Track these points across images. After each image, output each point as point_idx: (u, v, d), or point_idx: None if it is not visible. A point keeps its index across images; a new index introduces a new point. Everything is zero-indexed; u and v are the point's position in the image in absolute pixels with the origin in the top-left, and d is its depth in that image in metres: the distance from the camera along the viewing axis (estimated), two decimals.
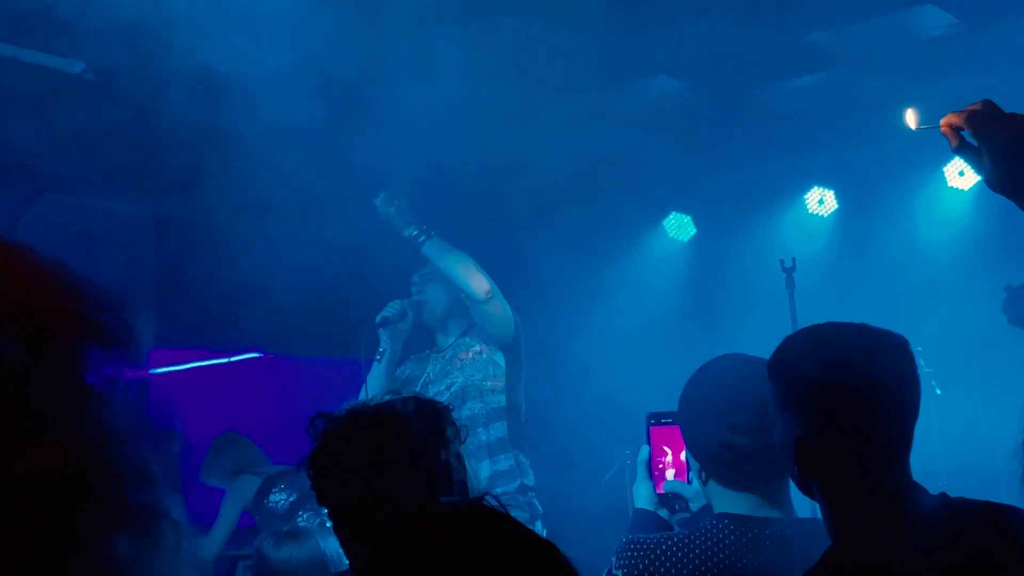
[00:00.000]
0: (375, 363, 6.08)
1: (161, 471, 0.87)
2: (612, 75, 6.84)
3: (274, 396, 9.13)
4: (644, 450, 3.29)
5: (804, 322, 5.89)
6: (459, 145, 6.84)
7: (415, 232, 5.99)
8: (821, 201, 8.41)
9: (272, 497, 6.91)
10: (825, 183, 8.38)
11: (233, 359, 9.79)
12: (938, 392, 7.04)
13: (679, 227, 8.90)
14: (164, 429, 3.73)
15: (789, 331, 5.56)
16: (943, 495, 2.51)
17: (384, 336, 6.07)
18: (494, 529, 1.52)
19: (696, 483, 3.12)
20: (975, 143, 2.39)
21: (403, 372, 6.27)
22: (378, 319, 6.03)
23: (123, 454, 0.83)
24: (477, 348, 6.07)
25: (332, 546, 4.80)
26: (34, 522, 0.77)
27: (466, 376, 5.97)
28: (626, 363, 7.89)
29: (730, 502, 2.98)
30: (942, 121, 2.42)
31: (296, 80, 5.84)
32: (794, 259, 6.14)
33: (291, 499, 6.86)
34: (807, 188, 8.42)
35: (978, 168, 2.39)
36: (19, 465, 0.77)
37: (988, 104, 2.38)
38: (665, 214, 8.91)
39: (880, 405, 2.44)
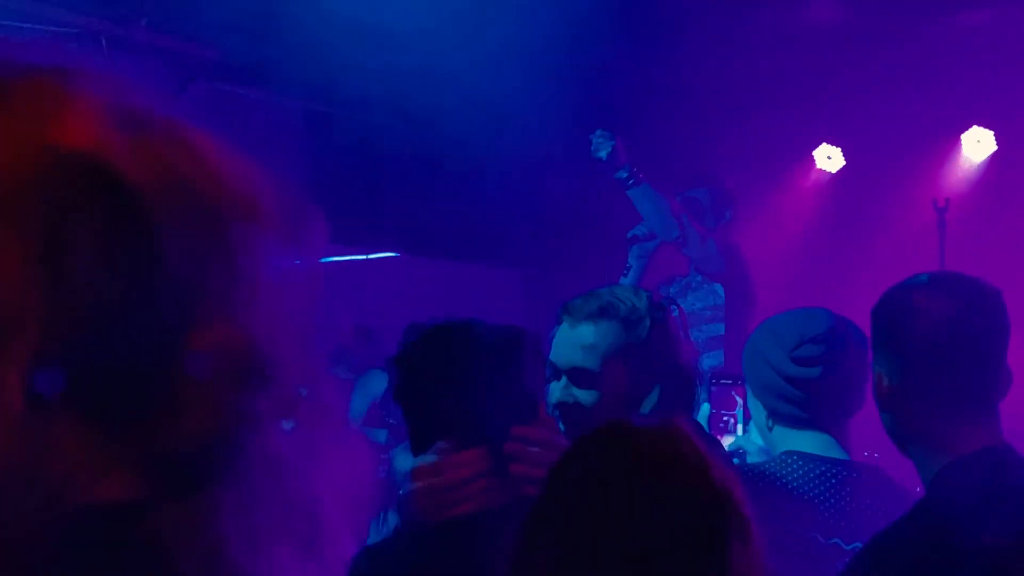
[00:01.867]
0: (621, 278, 6.30)
1: (323, 367, 0.89)
2: None
3: (407, 297, 9.22)
4: (705, 408, 3.36)
5: (954, 266, 5.81)
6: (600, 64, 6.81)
7: (625, 175, 6.14)
8: (979, 142, 8.16)
9: None
10: (984, 124, 8.13)
11: (371, 256, 9.91)
12: None
13: (829, 158, 8.72)
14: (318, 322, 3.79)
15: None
16: None
17: (632, 253, 6.31)
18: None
19: (755, 437, 3.16)
20: None
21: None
22: (628, 235, 6.29)
23: (292, 347, 0.84)
24: (699, 279, 6.33)
25: None
26: (205, 401, 0.79)
27: (688, 304, 6.10)
28: (766, 297, 7.80)
29: (797, 441, 3.04)
30: None
31: None
32: (947, 200, 5.99)
33: None
34: (964, 128, 8.17)
35: None
36: (193, 341, 0.79)
37: None
38: (816, 144, 8.72)
39: (969, 356, 2.45)
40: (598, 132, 6.12)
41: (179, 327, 0.79)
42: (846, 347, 3.05)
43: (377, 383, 7.17)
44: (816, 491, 2.93)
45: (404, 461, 4.90)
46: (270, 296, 0.84)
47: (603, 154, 6.06)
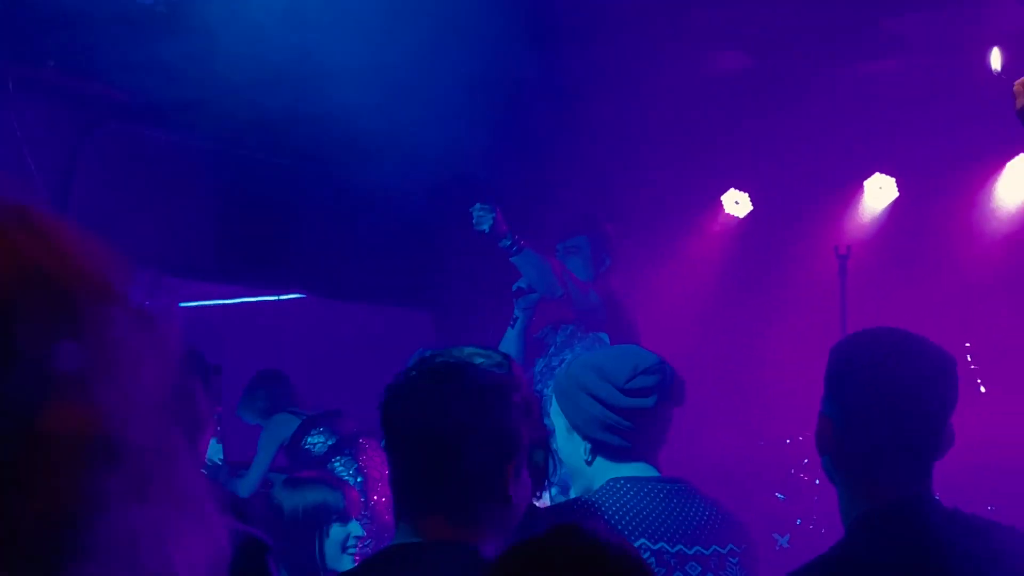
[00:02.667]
0: (509, 329, 6.45)
1: (186, 444, 0.88)
2: (681, 47, 6.80)
3: (318, 338, 9.17)
4: None
5: (854, 311, 5.92)
6: (500, 111, 6.87)
7: (507, 243, 6.28)
8: (881, 188, 8.32)
9: (310, 439, 6.95)
10: (887, 171, 8.29)
11: (281, 297, 9.85)
12: (982, 390, 7.01)
13: (736, 203, 8.84)
14: (204, 366, 3.76)
15: (838, 319, 5.54)
16: (956, 510, 2.58)
17: (518, 305, 6.43)
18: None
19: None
20: None
21: (541, 335, 6.60)
22: (513, 288, 6.41)
23: (147, 425, 0.84)
24: (584, 326, 6.44)
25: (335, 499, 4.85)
26: (53, 483, 0.79)
27: (575, 353, 6.16)
28: (675, 337, 7.88)
29: (619, 470, 3.18)
30: (1021, 79, 2.37)
31: (365, 21, 5.85)
32: (849, 247, 6.10)
33: (328, 443, 6.90)
34: (868, 174, 8.33)
35: None
36: (43, 424, 0.79)
37: None
38: (723, 189, 8.84)
39: (913, 415, 2.54)
40: (478, 206, 6.24)
41: (30, 410, 0.78)
42: (672, 378, 3.21)
43: (285, 427, 7.10)
44: (651, 506, 3.08)
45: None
46: (123, 375, 0.83)
47: (485, 227, 6.19)
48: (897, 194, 8.28)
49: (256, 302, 9.78)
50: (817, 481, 7.20)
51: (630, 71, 6.96)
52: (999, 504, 6.55)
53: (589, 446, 3.21)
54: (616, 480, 3.13)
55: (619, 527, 3.00)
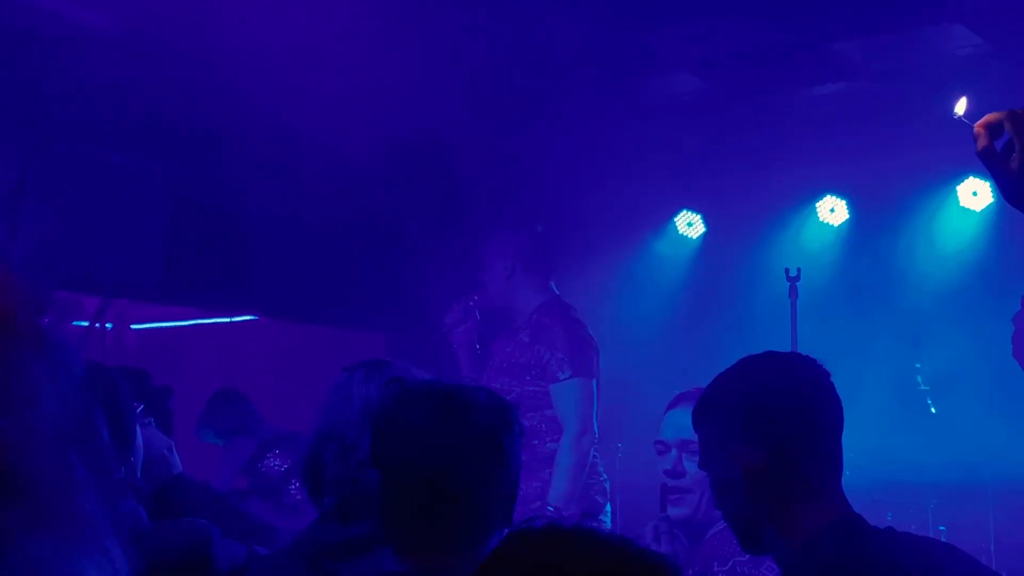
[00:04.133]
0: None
1: (85, 473, 0.86)
2: (631, 70, 6.84)
3: (273, 360, 9.13)
4: None
5: (804, 332, 5.96)
6: (461, 130, 6.88)
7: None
8: (832, 210, 8.38)
9: (266, 462, 6.92)
10: (838, 192, 8.35)
11: (235, 319, 9.80)
12: (933, 411, 7.07)
13: (689, 225, 8.87)
14: (158, 387, 3.75)
15: (789, 341, 5.54)
16: (889, 529, 2.60)
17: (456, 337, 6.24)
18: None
19: None
20: (1002, 152, 2.36)
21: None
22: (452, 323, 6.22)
23: (44, 457, 0.82)
24: None
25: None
26: None
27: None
28: (628, 357, 7.89)
29: None
30: (981, 120, 2.39)
31: (315, 46, 5.85)
32: (799, 269, 6.12)
33: (284, 467, 6.86)
34: (820, 196, 8.39)
35: (1000, 177, 2.37)
36: None
37: None
38: (676, 211, 8.87)
39: (815, 430, 2.58)
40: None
41: None
42: None
43: (244, 448, 7.07)
44: None
45: None
46: (23, 406, 0.82)
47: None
48: (848, 216, 8.34)
49: (211, 323, 9.72)
50: None
51: (580, 95, 6.99)
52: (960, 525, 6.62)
53: None
54: None
55: None
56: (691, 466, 3.52)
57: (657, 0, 5.97)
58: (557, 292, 6.14)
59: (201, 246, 7.58)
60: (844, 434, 2.62)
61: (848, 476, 2.63)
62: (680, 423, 3.50)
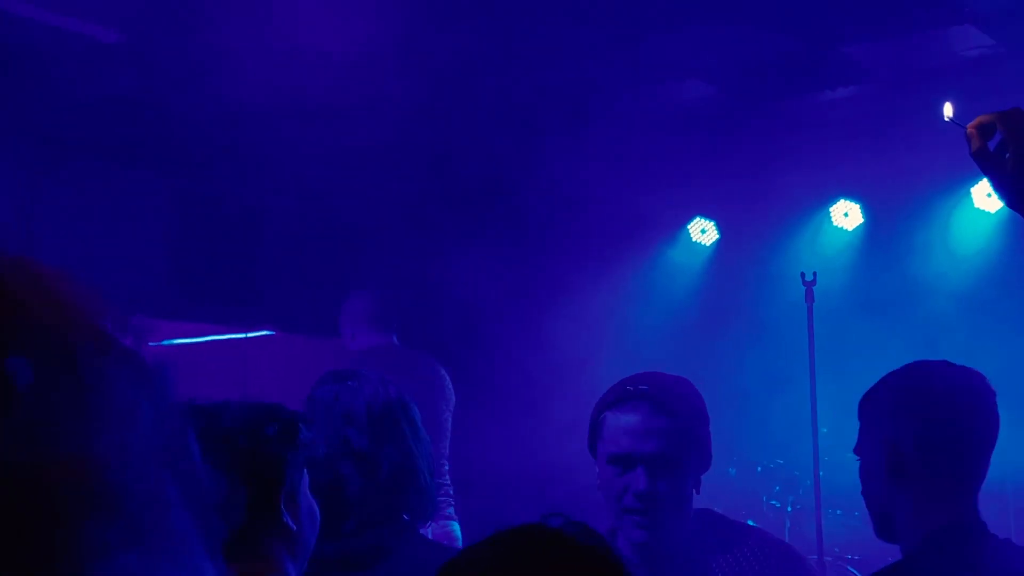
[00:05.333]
0: None
1: (178, 493, 0.89)
2: (641, 77, 6.83)
3: (290, 375, 9.11)
4: None
5: (821, 337, 5.93)
6: (472, 143, 6.88)
7: None
8: (846, 215, 8.36)
9: None
10: (851, 197, 8.34)
11: (250, 335, 9.79)
12: None
13: (703, 232, 8.87)
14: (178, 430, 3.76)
15: (805, 344, 5.52)
16: (1008, 540, 2.70)
17: None
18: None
19: None
20: (995, 153, 2.36)
21: None
22: None
23: (139, 474, 0.85)
24: None
25: None
26: (54, 533, 0.80)
27: None
28: (644, 366, 7.85)
29: None
30: (973, 122, 2.39)
31: (325, 58, 5.86)
32: (815, 273, 6.11)
33: None
34: (833, 200, 8.37)
35: (995, 178, 2.39)
36: (39, 479, 0.80)
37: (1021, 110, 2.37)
38: (689, 218, 8.87)
39: (963, 436, 2.70)
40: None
41: (27, 461, 0.79)
42: None
43: None
44: None
45: None
46: (117, 425, 0.84)
47: None
48: (862, 219, 8.32)
49: (226, 339, 9.72)
50: (789, 508, 7.20)
51: (591, 104, 6.98)
52: None
53: None
54: None
55: None
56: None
57: (667, 7, 5.95)
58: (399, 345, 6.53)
59: (212, 261, 7.59)
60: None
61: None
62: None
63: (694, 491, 3.04)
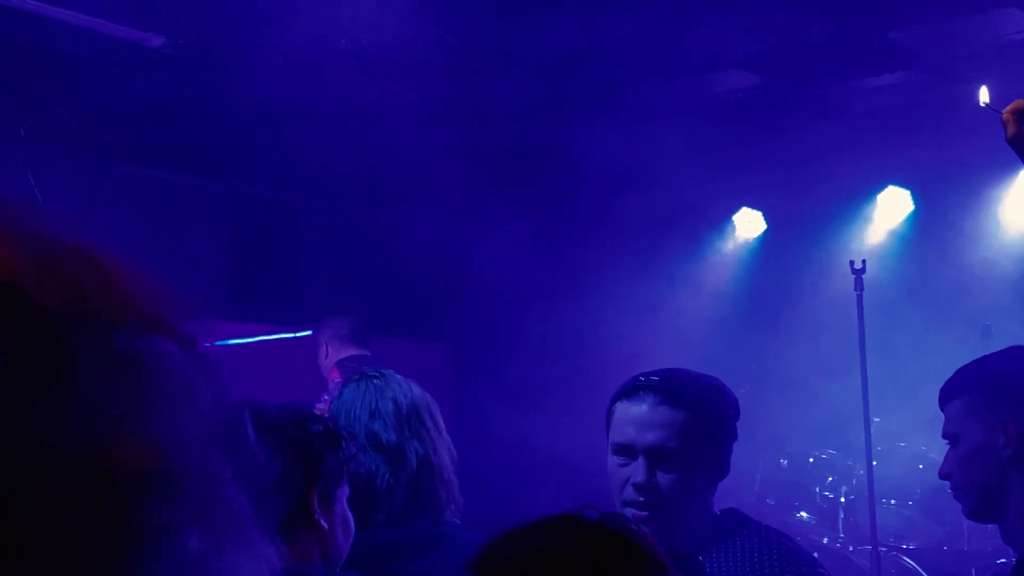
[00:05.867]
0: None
1: (232, 474, 0.92)
2: (685, 67, 6.81)
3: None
4: None
5: (871, 325, 5.89)
6: (515, 134, 6.88)
7: None
8: (896, 202, 8.30)
9: None
10: (901, 183, 8.27)
11: (297, 335, 9.84)
12: None
13: (749, 223, 8.83)
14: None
15: (856, 335, 5.49)
16: None
17: None
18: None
19: None
20: None
21: None
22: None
23: (199, 455, 0.87)
24: None
25: None
26: (114, 516, 0.82)
27: None
28: (693, 357, 7.84)
29: None
30: (1009, 107, 2.38)
31: (374, 61, 5.88)
32: (864, 261, 6.08)
33: None
34: (882, 188, 8.31)
35: None
36: (102, 461, 0.81)
37: None
38: (735, 209, 8.84)
39: None
40: None
41: (90, 444, 0.81)
42: None
43: None
44: None
45: None
46: (176, 407, 0.86)
47: None
48: (912, 207, 8.26)
49: (273, 339, 9.78)
50: (842, 499, 7.16)
51: (635, 94, 6.97)
52: None
53: None
54: None
55: None
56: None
57: None
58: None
59: (260, 263, 7.64)
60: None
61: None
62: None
63: (709, 495, 2.94)
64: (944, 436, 2.87)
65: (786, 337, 7.79)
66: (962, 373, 2.89)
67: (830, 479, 7.30)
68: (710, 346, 8.16)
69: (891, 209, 8.32)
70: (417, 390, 3.31)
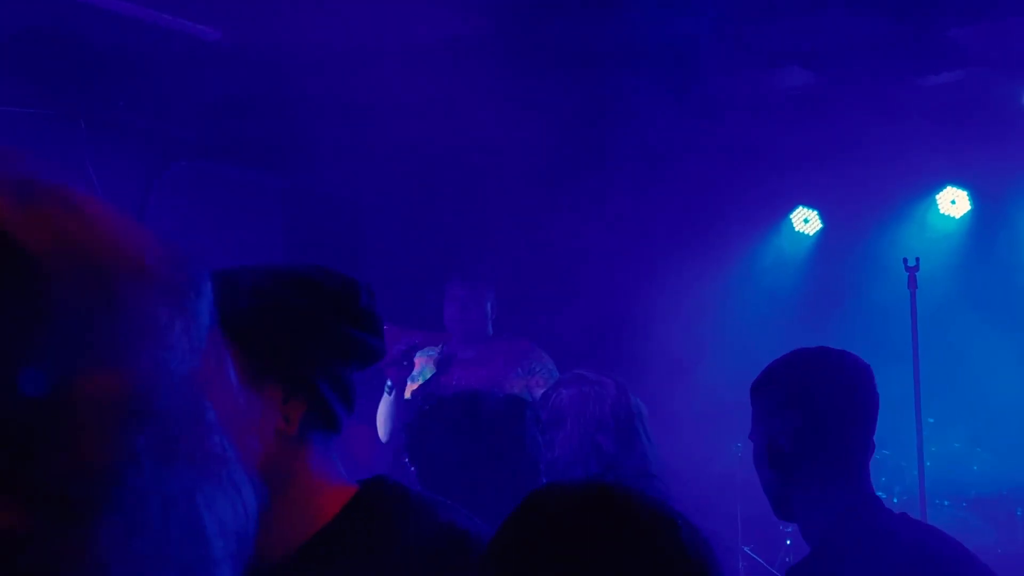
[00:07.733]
0: (385, 395, 6.20)
1: (216, 416, 0.94)
2: (743, 64, 6.79)
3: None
4: None
5: (924, 324, 5.85)
6: (580, 134, 6.88)
7: (389, 384, 6.20)
8: (954, 202, 8.23)
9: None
10: (959, 183, 8.20)
11: None
12: None
13: (806, 221, 8.79)
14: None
15: (909, 334, 5.45)
16: (903, 514, 2.90)
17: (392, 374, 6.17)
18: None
19: None
20: None
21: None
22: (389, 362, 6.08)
23: (175, 390, 0.89)
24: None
25: None
26: (85, 439, 0.84)
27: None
28: (747, 355, 7.82)
29: None
30: None
31: (428, 54, 5.91)
32: (918, 259, 6.05)
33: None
34: (940, 187, 8.25)
35: None
36: (76, 388, 0.84)
37: None
38: (792, 207, 8.80)
39: (847, 417, 2.82)
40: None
41: (66, 372, 0.84)
42: None
43: None
44: None
45: None
46: (154, 344, 0.88)
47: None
48: (970, 207, 8.19)
49: None
50: (895, 499, 7.11)
51: (691, 93, 6.96)
52: None
53: None
54: None
55: None
56: None
57: None
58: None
59: (317, 256, 7.69)
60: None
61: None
62: None
63: None
64: None
65: (840, 336, 7.73)
66: (756, 381, 3.00)
67: (883, 479, 7.25)
68: (764, 344, 8.12)
69: (949, 209, 8.25)
70: (631, 396, 3.55)
